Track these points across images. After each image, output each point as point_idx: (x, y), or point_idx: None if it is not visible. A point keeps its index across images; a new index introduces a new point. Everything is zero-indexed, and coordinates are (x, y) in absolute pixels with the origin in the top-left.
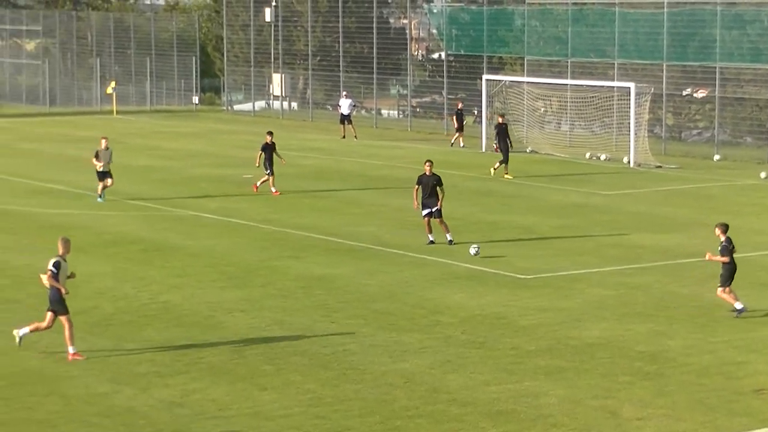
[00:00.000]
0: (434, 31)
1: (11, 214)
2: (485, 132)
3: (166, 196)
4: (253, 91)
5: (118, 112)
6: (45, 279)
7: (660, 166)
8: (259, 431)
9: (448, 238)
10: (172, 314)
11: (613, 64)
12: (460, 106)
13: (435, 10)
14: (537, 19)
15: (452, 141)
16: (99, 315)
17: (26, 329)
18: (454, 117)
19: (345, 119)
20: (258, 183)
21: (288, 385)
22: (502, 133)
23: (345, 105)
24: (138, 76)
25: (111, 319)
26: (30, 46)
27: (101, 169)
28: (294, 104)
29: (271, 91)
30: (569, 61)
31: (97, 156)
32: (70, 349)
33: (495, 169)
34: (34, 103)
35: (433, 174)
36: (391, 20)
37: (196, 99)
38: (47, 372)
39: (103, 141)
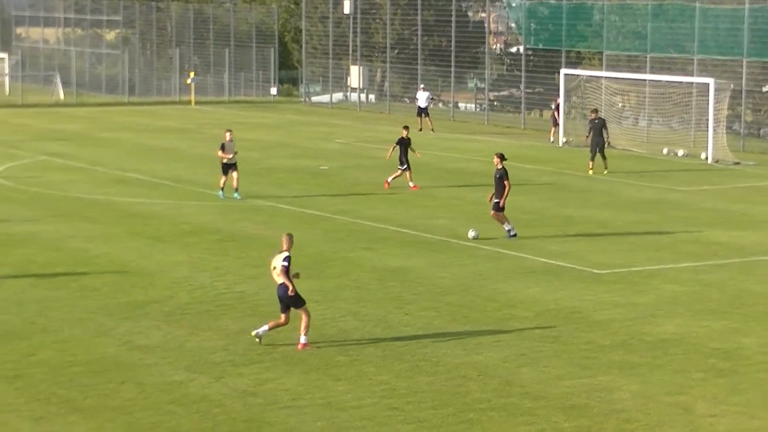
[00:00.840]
0: (513, 24)
1: (93, 203)
2: (563, 127)
3: (243, 187)
4: (330, 82)
5: (196, 103)
6: (276, 275)
7: (738, 163)
8: (331, 421)
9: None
10: (247, 304)
11: (693, 59)
12: (559, 101)
13: (514, 4)
14: (616, 13)
15: (551, 138)
16: (175, 304)
17: (265, 327)
18: (554, 112)
19: (422, 112)
20: (390, 178)
21: (361, 376)
22: (595, 128)
23: (422, 98)
24: (216, 67)
25: (187, 308)
26: (110, 36)
27: (227, 161)
28: (371, 96)
29: (348, 83)
30: (648, 56)
31: (222, 148)
32: (302, 339)
33: (606, 168)
34: (113, 93)
35: (502, 167)
36: (470, 14)
37: (274, 90)
38: (123, 360)
39: (228, 134)
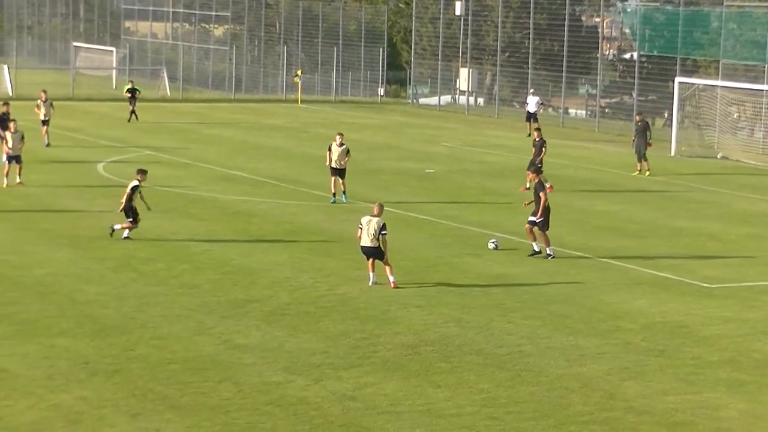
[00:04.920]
0: (627, 30)
1: (197, 199)
2: (675, 136)
3: (348, 188)
4: (439, 85)
5: (302, 101)
6: (372, 240)
7: None
8: (430, 429)
9: (547, 252)
10: (348, 306)
11: None
12: None
13: (629, 9)
14: (735, 21)
15: None
16: (275, 304)
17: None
18: None
19: (531, 117)
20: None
21: (462, 383)
22: (639, 131)
23: (532, 102)
24: (324, 66)
25: (287, 309)
26: (218, 31)
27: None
28: (480, 100)
29: (457, 86)
30: (766, 66)
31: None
32: (392, 278)
33: (648, 171)
34: (219, 89)
35: (538, 182)
36: (583, 18)
37: (381, 91)
38: (221, 358)
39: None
